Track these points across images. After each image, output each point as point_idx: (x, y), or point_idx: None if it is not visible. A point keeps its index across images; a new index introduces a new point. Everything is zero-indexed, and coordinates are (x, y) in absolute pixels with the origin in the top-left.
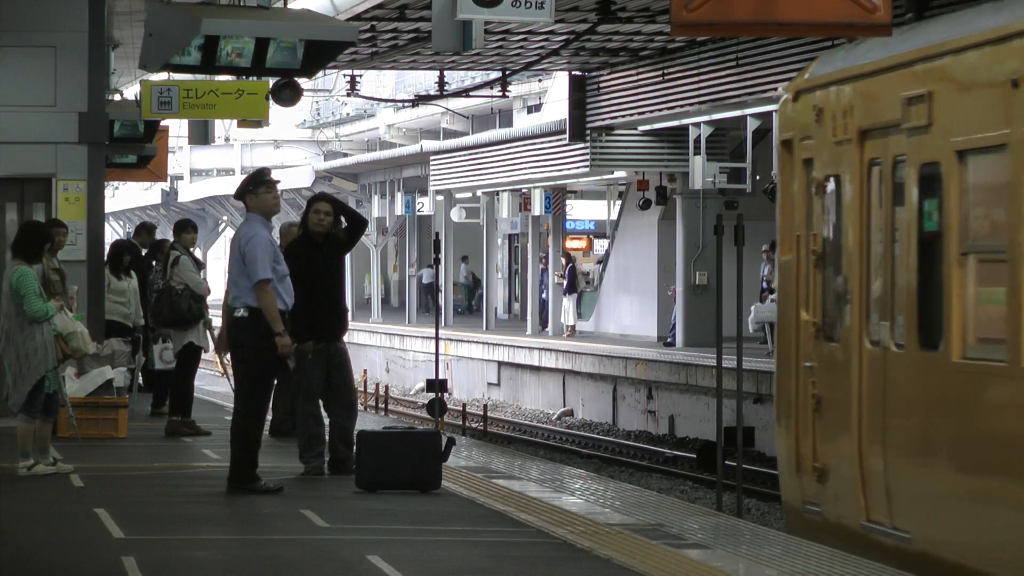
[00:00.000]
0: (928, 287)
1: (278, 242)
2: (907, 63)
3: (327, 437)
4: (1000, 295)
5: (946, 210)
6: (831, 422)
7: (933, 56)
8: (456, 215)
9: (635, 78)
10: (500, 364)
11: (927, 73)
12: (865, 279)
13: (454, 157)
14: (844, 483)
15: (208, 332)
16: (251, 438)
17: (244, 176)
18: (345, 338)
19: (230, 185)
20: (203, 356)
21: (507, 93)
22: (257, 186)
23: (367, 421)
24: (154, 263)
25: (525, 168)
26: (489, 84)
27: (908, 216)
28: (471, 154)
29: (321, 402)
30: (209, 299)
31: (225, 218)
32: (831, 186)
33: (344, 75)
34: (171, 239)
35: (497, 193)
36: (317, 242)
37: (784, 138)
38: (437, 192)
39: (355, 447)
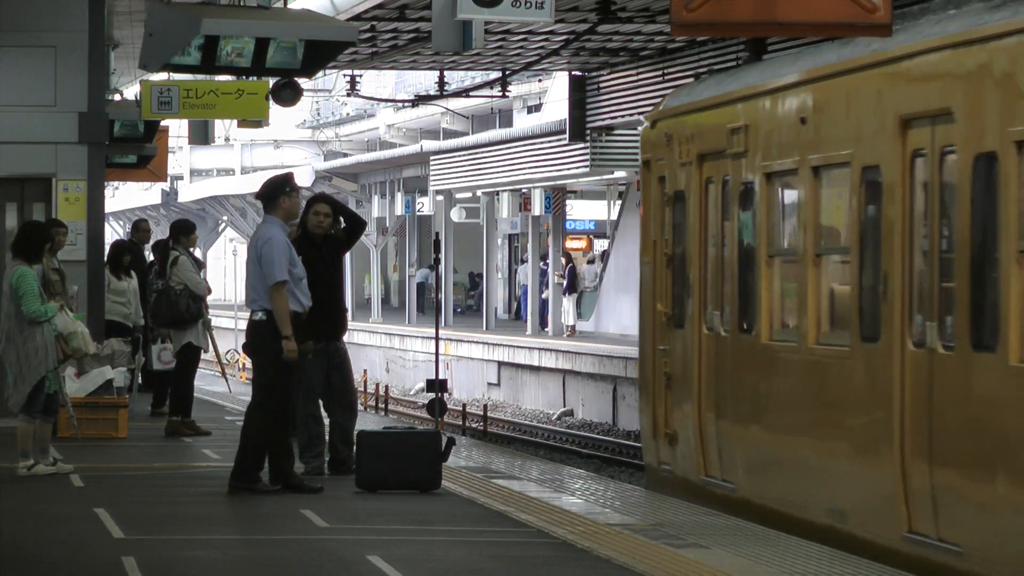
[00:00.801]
0: (746, 283)
1: None
2: (731, 100)
3: (327, 437)
4: (794, 289)
5: (758, 221)
6: (678, 395)
7: (750, 96)
8: (456, 215)
9: (635, 78)
10: (500, 364)
11: (745, 109)
12: (702, 277)
13: (454, 157)
14: (688, 445)
15: (208, 332)
16: (263, 439)
17: (275, 176)
18: (345, 338)
19: (230, 185)
20: (202, 356)
21: (507, 93)
22: (291, 189)
23: (367, 421)
24: (154, 264)
25: (525, 168)
26: (489, 84)
27: (732, 225)
28: (471, 154)
29: (321, 402)
30: (209, 299)
31: (225, 218)
32: (678, 200)
33: (344, 75)
34: (167, 239)
35: (497, 193)
36: (316, 242)
37: (644, 159)
38: (437, 192)
39: (355, 447)
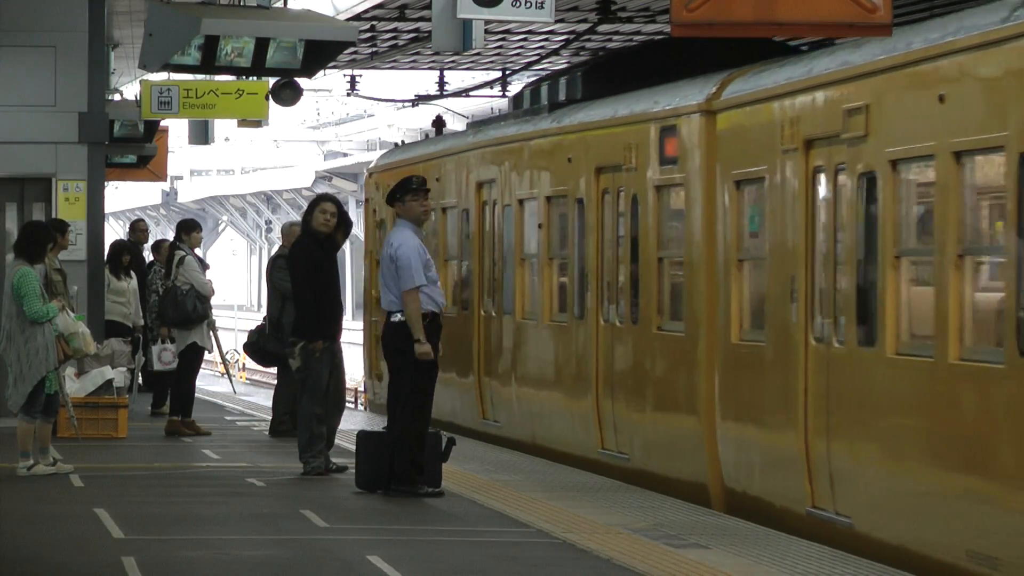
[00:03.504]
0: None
1: (283, 244)
2: (408, 164)
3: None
4: (461, 283)
5: (437, 240)
6: (380, 350)
7: (416, 162)
8: None
9: None
10: None
11: (412, 171)
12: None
13: None
14: (383, 381)
15: (212, 333)
16: (413, 440)
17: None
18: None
19: (231, 185)
20: (205, 356)
21: (507, 93)
22: (404, 193)
23: (368, 421)
24: (154, 264)
25: None
26: (489, 84)
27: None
28: None
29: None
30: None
31: (225, 218)
32: (381, 225)
33: (344, 75)
34: (171, 239)
35: None
36: (320, 241)
37: (365, 198)
38: None
39: (355, 447)
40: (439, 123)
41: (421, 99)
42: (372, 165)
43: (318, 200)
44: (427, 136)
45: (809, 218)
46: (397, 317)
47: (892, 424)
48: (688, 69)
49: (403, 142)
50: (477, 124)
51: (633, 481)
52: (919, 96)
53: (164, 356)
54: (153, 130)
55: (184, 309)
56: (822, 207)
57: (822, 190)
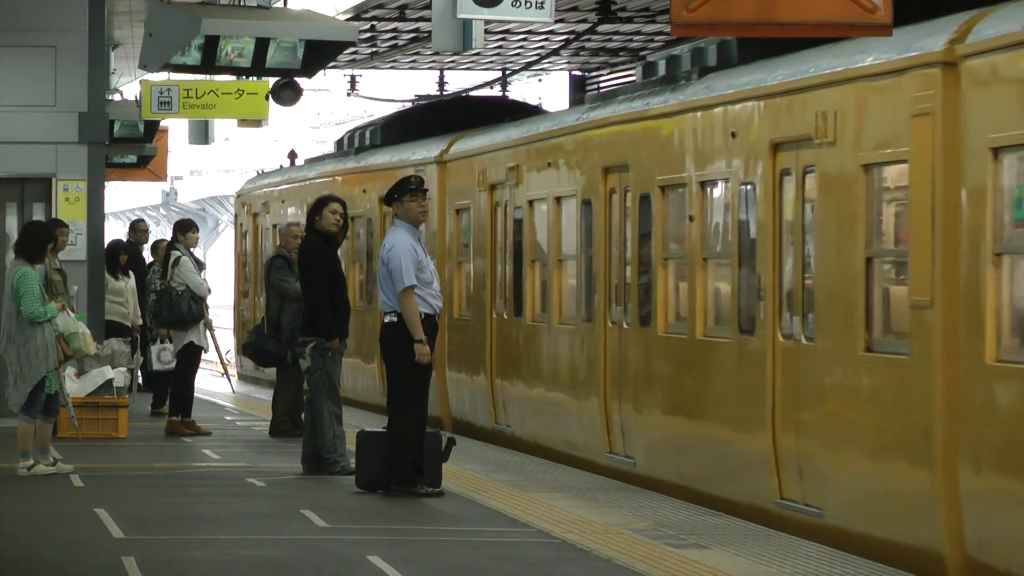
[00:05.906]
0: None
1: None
2: (267, 187)
3: (304, 432)
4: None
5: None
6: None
7: (273, 186)
8: None
9: (635, 78)
10: None
11: (269, 193)
12: (254, 272)
13: None
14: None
15: (209, 332)
16: (411, 440)
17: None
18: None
19: (230, 185)
20: (203, 356)
21: (507, 93)
22: (403, 194)
23: (368, 420)
24: (153, 264)
25: None
26: (489, 84)
27: (263, 246)
28: None
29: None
30: (210, 299)
31: (225, 218)
32: (246, 235)
33: (344, 75)
34: (170, 239)
35: None
36: (331, 240)
37: (235, 215)
38: None
39: (355, 447)
40: (292, 156)
41: (421, 99)
42: (239, 189)
43: (325, 200)
44: (282, 167)
45: (492, 235)
46: (389, 318)
47: (533, 365)
48: (446, 127)
49: (263, 170)
50: (312, 160)
51: None
52: (541, 162)
53: (163, 356)
54: (153, 130)
55: (179, 310)
56: (499, 228)
57: (499, 217)
